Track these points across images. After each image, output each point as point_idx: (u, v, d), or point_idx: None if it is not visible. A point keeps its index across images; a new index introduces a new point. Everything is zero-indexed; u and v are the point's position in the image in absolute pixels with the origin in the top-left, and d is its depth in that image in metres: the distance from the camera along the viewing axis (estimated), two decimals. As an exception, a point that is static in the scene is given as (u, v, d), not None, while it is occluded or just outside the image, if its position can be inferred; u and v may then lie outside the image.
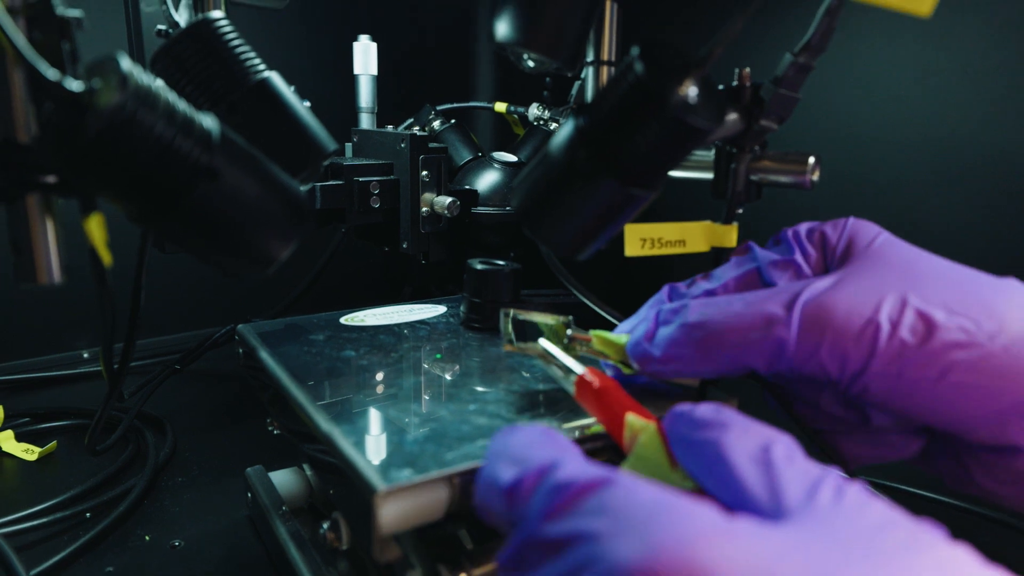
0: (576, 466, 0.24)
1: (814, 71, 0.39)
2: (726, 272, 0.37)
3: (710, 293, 0.36)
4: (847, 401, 0.34)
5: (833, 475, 0.22)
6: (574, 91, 0.54)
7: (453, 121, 0.73)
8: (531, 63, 0.40)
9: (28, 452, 0.60)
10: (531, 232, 0.34)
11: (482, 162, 0.68)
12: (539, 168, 0.33)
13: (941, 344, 0.28)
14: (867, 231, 0.34)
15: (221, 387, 0.77)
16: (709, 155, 0.43)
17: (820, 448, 0.36)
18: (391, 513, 0.30)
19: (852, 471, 0.35)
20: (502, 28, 0.38)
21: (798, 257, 0.35)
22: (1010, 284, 0.31)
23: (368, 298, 0.63)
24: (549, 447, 0.26)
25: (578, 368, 0.34)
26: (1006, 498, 0.32)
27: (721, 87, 0.41)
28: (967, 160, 0.63)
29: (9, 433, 0.62)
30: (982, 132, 0.62)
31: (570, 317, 0.39)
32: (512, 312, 0.39)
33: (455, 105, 0.77)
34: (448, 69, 1.01)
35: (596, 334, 0.38)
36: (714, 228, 0.42)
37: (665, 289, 0.38)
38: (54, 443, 0.62)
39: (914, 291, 0.30)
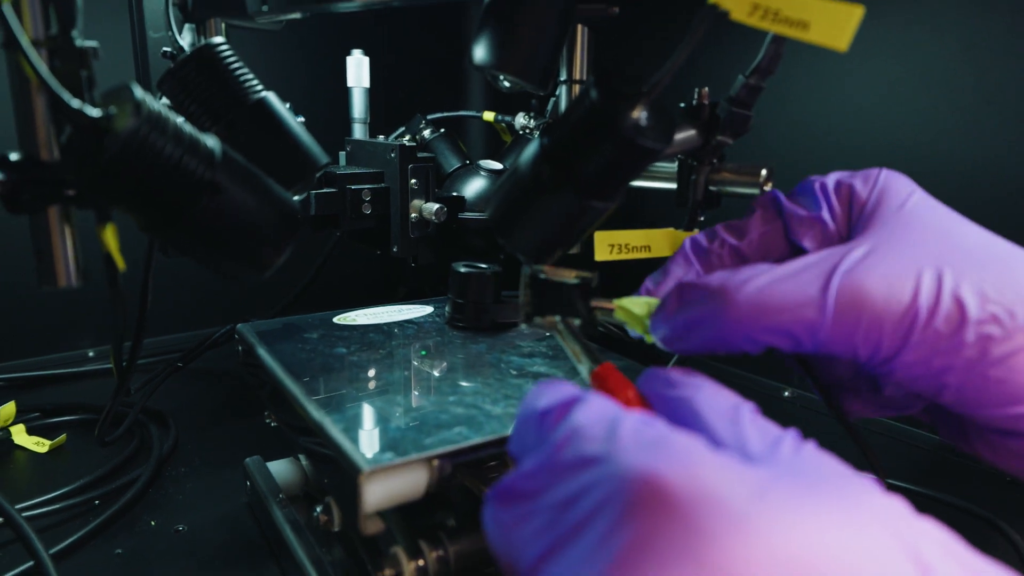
0: (599, 402, 0.25)
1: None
2: (751, 227, 0.35)
3: (734, 250, 0.35)
4: (861, 371, 0.34)
5: (792, 433, 0.24)
6: (550, 107, 0.57)
7: (443, 130, 0.77)
8: (507, 83, 0.43)
9: (39, 445, 0.64)
10: (502, 239, 0.37)
11: (469, 169, 0.72)
12: (509, 181, 0.36)
13: (975, 336, 0.27)
14: (900, 187, 0.32)
15: (221, 384, 0.80)
16: (673, 167, 0.47)
17: (826, 402, 0.36)
18: (374, 491, 0.33)
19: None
20: (479, 52, 0.41)
21: (824, 214, 0.33)
22: None
23: (365, 299, 0.66)
24: (581, 390, 0.27)
25: (586, 366, 0.32)
26: (1005, 468, 0.32)
27: (683, 105, 0.45)
28: (932, 167, 0.66)
29: (21, 427, 0.66)
30: (947, 141, 0.66)
31: (596, 273, 0.35)
32: (530, 272, 0.35)
33: (445, 115, 0.81)
34: (440, 80, 1.04)
35: (619, 303, 0.35)
36: (677, 235, 0.45)
37: (687, 243, 0.36)
38: (63, 436, 0.65)
39: (951, 269, 0.28)
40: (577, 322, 0.35)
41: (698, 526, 0.19)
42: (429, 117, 0.79)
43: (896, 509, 0.21)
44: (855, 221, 0.33)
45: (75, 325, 0.86)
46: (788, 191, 0.36)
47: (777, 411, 0.76)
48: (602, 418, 0.24)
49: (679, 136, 0.44)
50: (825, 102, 0.74)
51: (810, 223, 0.33)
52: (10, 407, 0.66)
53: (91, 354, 0.86)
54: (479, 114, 0.82)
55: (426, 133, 0.76)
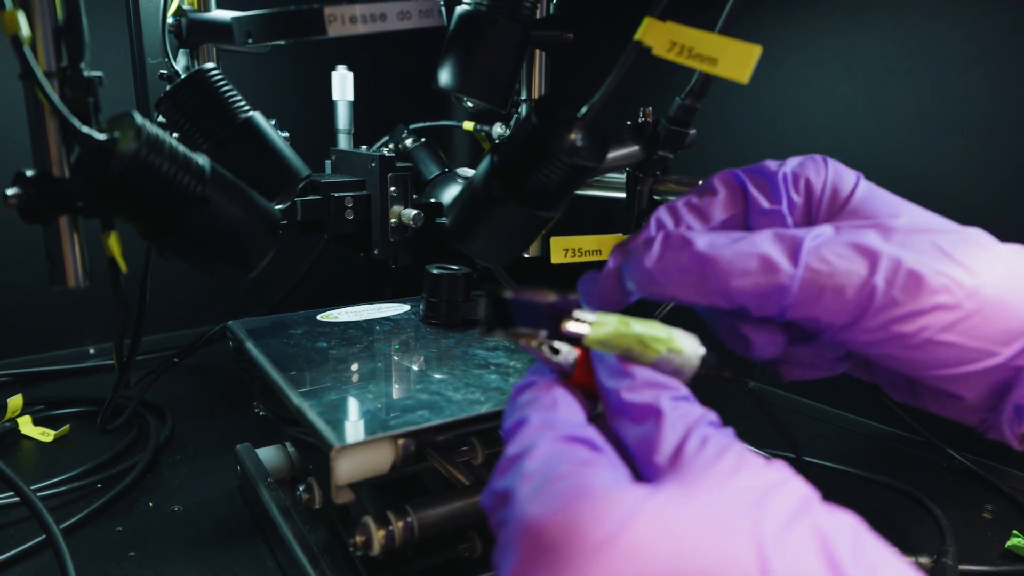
0: (531, 428, 0.27)
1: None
2: (716, 211, 0.35)
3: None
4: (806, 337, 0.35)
5: (712, 437, 0.25)
6: (512, 123, 0.62)
7: (423, 140, 0.82)
8: (470, 103, 0.48)
9: (44, 434, 0.68)
10: (459, 246, 0.42)
11: (448, 177, 0.76)
12: (464, 194, 0.41)
13: (929, 305, 0.29)
14: (846, 178, 0.34)
15: (214, 378, 0.85)
16: (622, 178, 0.52)
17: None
18: (344, 466, 0.38)
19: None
20: (444, 77, 0.46)
21: (784, 209, 0.34)
22: (979, 237, 0.32)
23: (352, 298, 0.71)
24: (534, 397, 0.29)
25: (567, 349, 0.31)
26: (951, 417, 0.34)
27: (629, 123, 0.50)
28: (877, 171, 0.71)
29: (27, 418, 0.70)
30: (888, 148, 0.71)
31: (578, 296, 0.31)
32: (490, 294, 0.29)
33: (426, 124, 0.86)
34: (424, 92, 1.09)
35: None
36: (624, 239, 0.50)
37: (654, 222, 0.36)
38: (67, 426, 0.70)
39: (904, 247, 0.30)
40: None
41: (564, 561, 0.21)
42: (411, 127, 0.84)
43: (783, 508, 0.22)
44: (814, 211, 0.34)
45: (78, 324, 0.90)
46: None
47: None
48: (521, 447, 0.26)
49: (624, 151, 0.48)
50: (783, 112, 0.79)
51: (770, 216, 0.34)
52: (17, 399, 0.70)
53: (92, 351, 0.91)
54: (459, 124, 0.86)
55: (408, 142, 0.81)
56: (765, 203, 0.34)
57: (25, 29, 0.33)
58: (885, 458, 0.69)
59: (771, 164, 0.35)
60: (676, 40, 0.36)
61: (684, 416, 0.26)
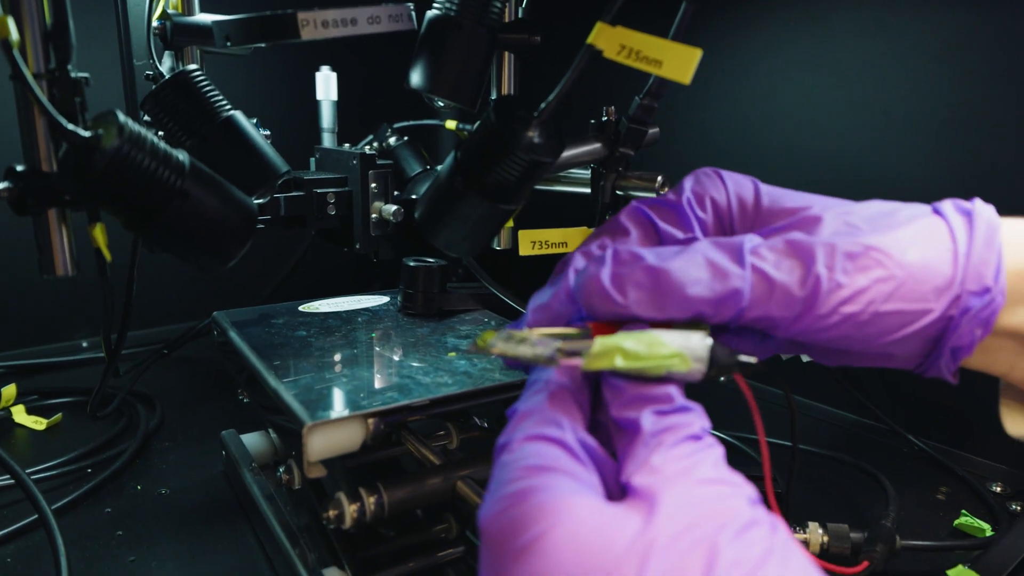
0: (520, 414, 0.29)
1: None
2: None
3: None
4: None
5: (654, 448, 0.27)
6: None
7: (406, 138, 0.84)
8: (440, 103, 0.51)
9: (37, 423, 0.71)
10: (428, 238, 0.45)
11: (429, 174, 0.79)
12: (431, 188, 0.44)
13: (871, 280, 0.30)
14: (745, 185, 0.36)
15: (202, 370, 0.87)
16: (587, 174, 0.54)
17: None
18: (315, 442, 0.40)
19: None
20: (415, 78, 0.49)
21: (698, 234, 0.35)
22: (881, 206, 0.34)
23: (341, 293, 0.73)
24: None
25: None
26: (882, 366, 0.35)
27: (592, 121, 0.52)
28: (842, 173, 0.74)
29: (21, 407, 0.73)
30: (849, 148, 0.73)
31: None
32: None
33: (410, 123, 0.88)
34: (411, 92, 1.12)
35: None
36: (588, 232, 0.52)
37: (577, 253, 0.36)
38: (59, 415, 0.72)
39: (832, 235, 0.31)
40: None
41: (497, 560, 0.24)
42: (395, 126, 0.86)
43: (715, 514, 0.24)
44: (726, 224, 0.36)
45: (70, 318, 0.93)
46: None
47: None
48: (503, 439, 0.29)
49: (587, 148, 0.51)
50: (756, 110, 0.81)
51: (686, 243, 0.34)
52: (11, 389, 0.73)
53: (85, 344, 0.93)
54: (442, 123, 0.89)
55: (391, 140, 0.83)
56: (679, 234, 0.35)
57: (15, 33, 0.35)
58: (850, 444, 0.72)
59: (671, 194, 0.36)
60: (625, 43, 0.39)
61: (661, 431, 0.27)
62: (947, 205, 0.33)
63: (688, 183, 0.36)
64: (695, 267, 0.31)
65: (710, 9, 0.82)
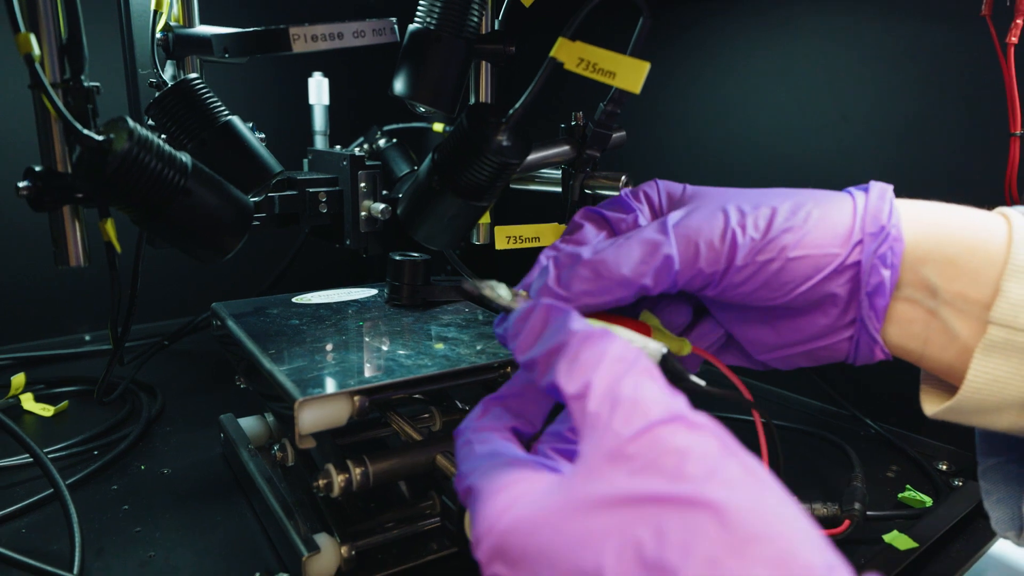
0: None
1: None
2: (589, 236, 0.40)
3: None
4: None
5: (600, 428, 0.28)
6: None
7: (395, 140, 0.88)
8: (421, 109, 0.55)
9: (45, 410, 0.75)
10: (409, 233, 0.49)
11: (415, 174, 0.83)
12: (412, 187, 0.48)
13: (777, 232, 0.35)
14: (676, 186, 0.41)
15: (201, 361, 0.92)
16: (558, 174, 0.59)
17: None
18: (306, 416, 0.45)
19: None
20: (398, 85, 0.53)
21: (638, 214, 0.40)
22: (780, 190, 0.38)
23: (333, 285, 0.77)
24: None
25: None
26: (819, 364, 0.40)
27: (563, 126, 0.57)
28: (803, 172, 0.79)
29: (29, 395, 0.77)
30: (809, 148, 0.78)
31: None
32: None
33: (398, 126, 0.92)
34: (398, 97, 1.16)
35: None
36: (559, 228, 0.57)
37: (541, 258, 0.40)
38: (65, 403, 0.76)
39: (744, 203, 0.36)
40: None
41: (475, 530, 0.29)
42: (384, 128, 0.91)
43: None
44: (658, 211, 0.41)
45: (75, 312, 0.97)
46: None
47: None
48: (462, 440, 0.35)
49: (557, 149, 0.55)
50: (728, 114, 0.86)
51: (631, 223, 0.41)
52: (20, 377, 0.77)
53: (87, 338, 0.98)
54: (430, 125, 0.93)
55: (380, 142, 0.88)
56: (623, 215, 0.41)
57: (36, 48, 0.40)
58: (815, 427, 0.76)
59: (621, 194, 0.42)
60: (584, 57, 0.43)
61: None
62: (850, 188, 0.38)
63: (628, 188, 0.43)
64: (626, 250, 0.36)
65: (687, 19, 0.86)
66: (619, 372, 0.28)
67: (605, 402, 0.27)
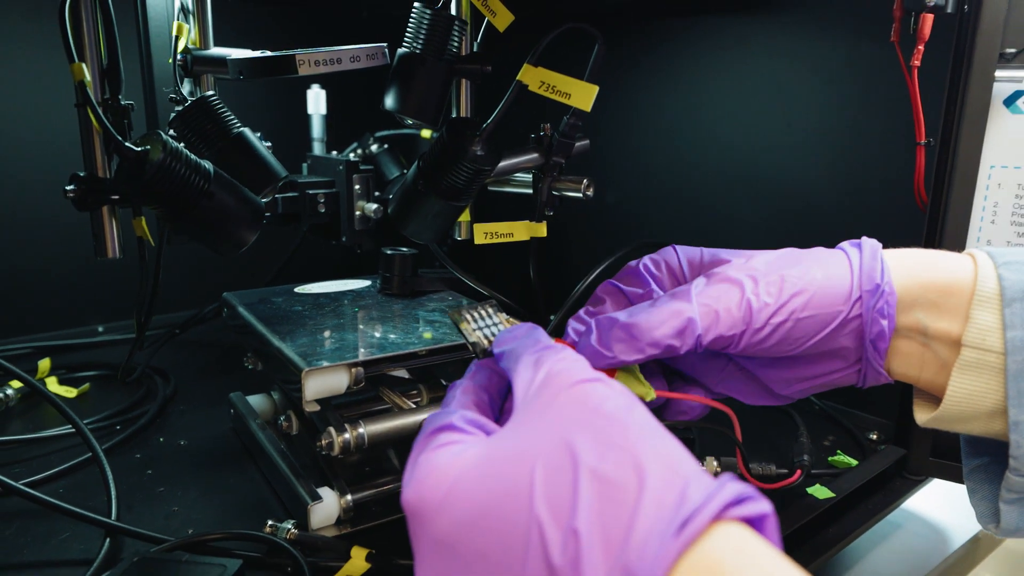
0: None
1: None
2: (607, 311, 0.47)
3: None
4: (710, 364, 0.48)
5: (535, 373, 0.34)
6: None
7: (387, 146, 0.96)
8: (409, 121, 0.63)
9: (68, 392, 0.83)
10: (398, 229, 0.57)
11: (404, 178, 0.91)
12: (401, 189, 0.56)
13: (787, 296, 0.40)
14: (693, 251, 0.47)
15: (211, 349, 0.99)
16: (529, 178, 0.67)
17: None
18: (311, 384, 0.53)
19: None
20: (388, 101, 0.61)
21: (655, 288, 0.46)
22: (792, 251, 0.44)
23: (330, 277, 0.84)
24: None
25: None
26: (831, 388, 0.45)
27: (532, 135, 0.65)
28: (750, 171, 0.87)
29: (54, 378, 0.84)
30: (766, 155, 0.87)
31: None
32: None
33: (389, 132, 1.00)
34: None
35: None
36: (531, 225, 0.65)
37: (569, 329, 0.47)
38: (87, 385, 0.84)
39: (756, 270, 0.41)
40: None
41: (417, 528, 0.31)
42: (377, 135, 0.99)
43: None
44: (680, 278, 0.47)
45: (89, 305, 1.04)
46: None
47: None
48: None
49: (527, 156, 0.64)
50: (684, 123, 0.95)
51: (648, 297, 0.46)
52: (46, 362, 0.84)
53: (101, 329, 1.05)
54: (418, 132, 1.01)
55: (373, 148, 0.96)
56: (639, 291, 0.47)
57: (88, 76, 0.48)
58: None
59: (633, 263, 0.48)
60: (544, 80, 0.52)
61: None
62: (843, 244, 0.44)
63: (648, 256, 0.49)
64: (656, 314, 0.41)
65: (654, 38, 0.95)
66: (556, 356, 0.35)
67: (536, 372, 0.35)
